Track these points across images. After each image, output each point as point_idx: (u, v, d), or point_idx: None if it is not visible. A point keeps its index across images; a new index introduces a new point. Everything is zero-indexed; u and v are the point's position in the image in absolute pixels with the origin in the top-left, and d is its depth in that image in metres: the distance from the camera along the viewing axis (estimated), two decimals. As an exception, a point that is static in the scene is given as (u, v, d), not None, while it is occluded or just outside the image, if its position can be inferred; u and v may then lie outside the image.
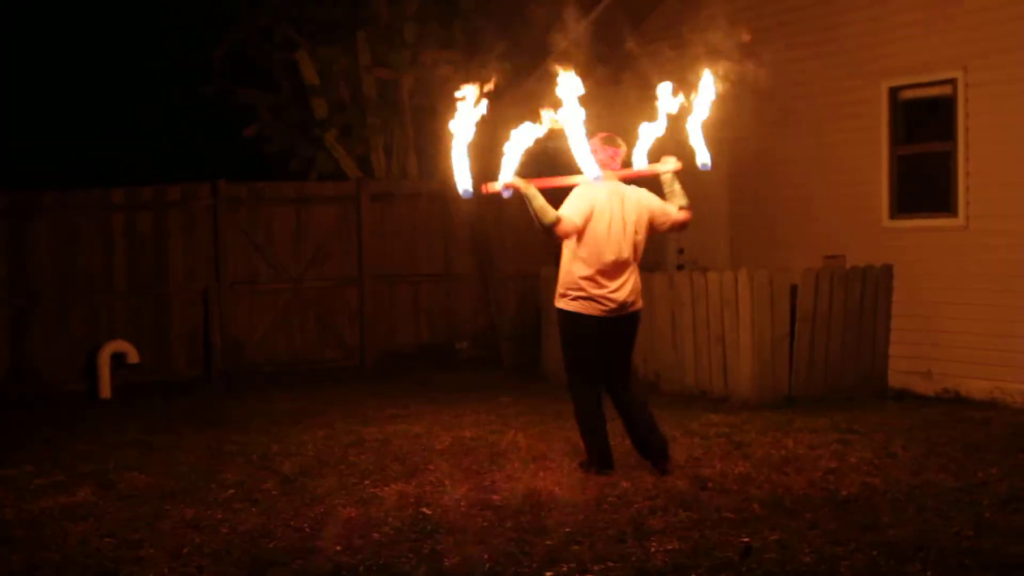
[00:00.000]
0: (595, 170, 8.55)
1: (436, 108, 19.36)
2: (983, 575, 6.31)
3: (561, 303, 8.88)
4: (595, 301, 8.74)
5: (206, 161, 20.58)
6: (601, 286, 8.72)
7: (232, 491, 8.71)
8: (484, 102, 8.50)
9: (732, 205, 15.45)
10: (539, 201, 8.55)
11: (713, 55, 9.49)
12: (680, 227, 9.15)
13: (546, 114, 8.52)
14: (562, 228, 8.63)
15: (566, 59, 9.09)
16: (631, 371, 9.13)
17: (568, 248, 8.81)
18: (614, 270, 8.73)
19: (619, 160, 8.99)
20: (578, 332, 8.85)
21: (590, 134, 8.66)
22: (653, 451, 8.99)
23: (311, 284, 16.16)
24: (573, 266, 8.78)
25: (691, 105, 8.89)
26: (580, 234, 8.70)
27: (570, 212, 8.67)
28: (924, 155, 13.22)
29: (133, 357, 14.56)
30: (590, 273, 8.71)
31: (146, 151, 22.36)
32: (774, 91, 14.73)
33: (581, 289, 8.74)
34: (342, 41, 18.79)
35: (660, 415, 11.43)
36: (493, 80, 8.61)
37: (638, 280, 8.92)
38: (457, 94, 8.47)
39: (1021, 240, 12.08)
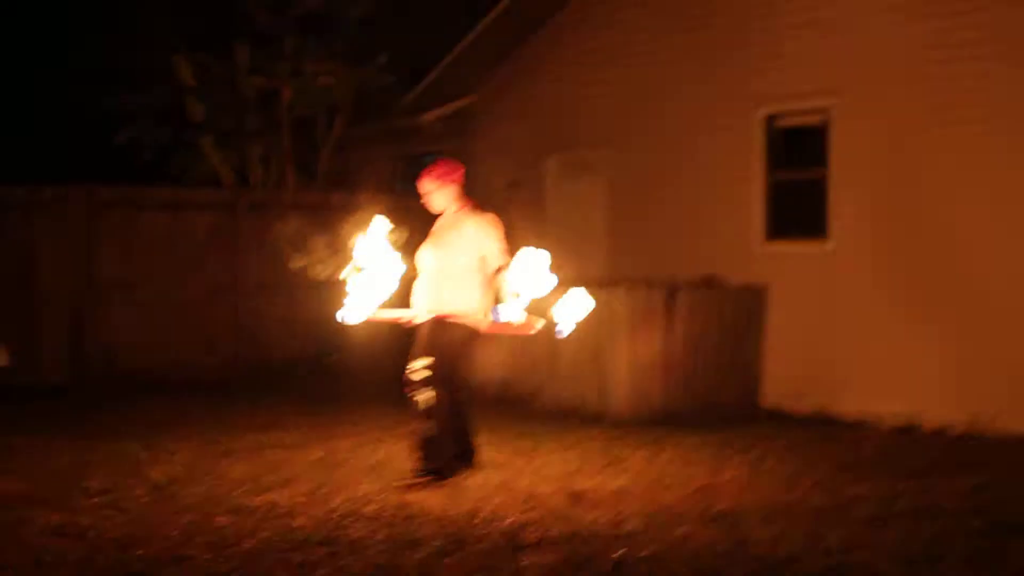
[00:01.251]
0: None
1: (315, 119, 19.30)
2: (852, 590, 6.39)
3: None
4: None
5: (79, 165, 20.22)
6: None
7: (100, 498, 8.52)
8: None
9: (611, 220, 15.56)
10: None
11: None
12: None
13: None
14: None
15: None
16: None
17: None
18: None
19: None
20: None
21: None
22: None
23: (187, 292, 15.90)
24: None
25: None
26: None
27: None
28: (798, 180, 13.46)
29: (3, 360, 14.21)
30: None
31: (15, 152, 21.88)
32: (652, 112, 14.91)
33: None
34: (221, 48, 18.61)
35: (536, 430, 11.56)
36: None
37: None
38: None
39: (888, 264, 12.37)
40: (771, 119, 13.60)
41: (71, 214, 15.30)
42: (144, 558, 6.97)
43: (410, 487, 8.80)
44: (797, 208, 13.45)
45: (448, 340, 9.02)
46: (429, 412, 8.98)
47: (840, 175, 12.83)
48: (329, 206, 16.29)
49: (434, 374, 8.97)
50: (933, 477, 9.46)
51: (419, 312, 9.09)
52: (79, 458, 10.08)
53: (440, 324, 9.01)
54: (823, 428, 12.05)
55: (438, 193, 9.25)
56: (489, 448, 10.39)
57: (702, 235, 14.25)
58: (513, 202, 16.76)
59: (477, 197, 16.40)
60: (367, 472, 9.44)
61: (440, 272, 9.06)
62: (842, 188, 12.81)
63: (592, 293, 12.65)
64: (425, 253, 9.15)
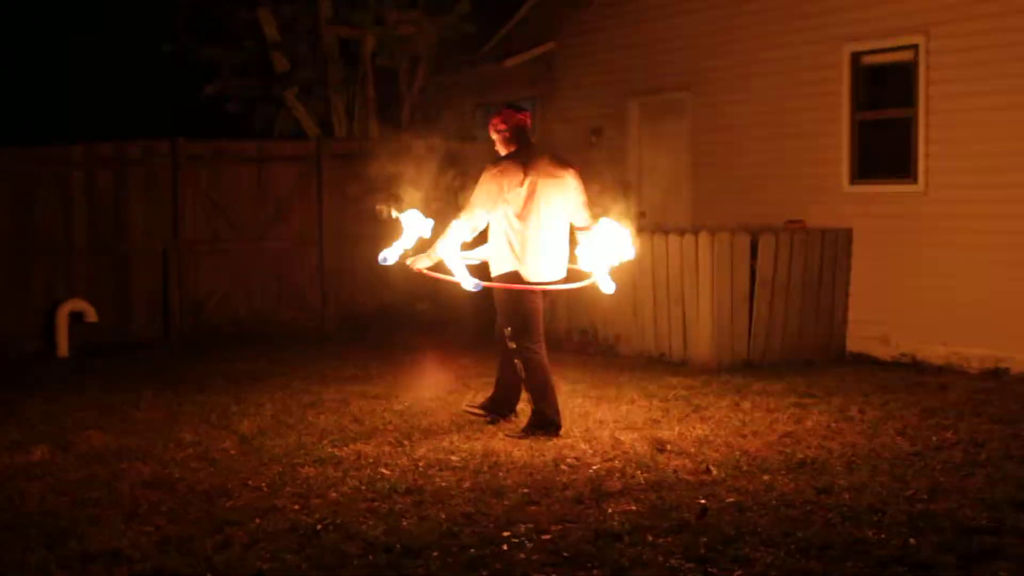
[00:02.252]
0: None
1: (398, 69, 19.33)
2: (937, 537, 6.36)
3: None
4: None
5: (166, 118, 20.44)
6: None
7: (190, 450, 8.69)
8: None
9: (695, 166, 15.46)
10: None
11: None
12: None
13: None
14: None
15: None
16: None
17: None
18: None
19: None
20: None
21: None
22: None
23: (271, 244, 16.07)
24: None
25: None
26: None
27: None
28: (885, 121, 13.27)
29: (91, 316, 14.46)
30: None
31: (105, 106, 22.13)
32: (735, 52, 14.76)
33: None
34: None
35: (619, 378, 11.60)
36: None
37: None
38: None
39: (979, 207, 12.16)
40: (857, 57, 13.39)
41: (158, 168, 15.49)
42: (234, 509, 7.11)
43: (520, 439, 8.83)
44: (883, 149, 13.26)
45: (505, 303, 9.07)
46: (525, 377, 9.08)
47: (928, 115, 12.62)
48: (412, 154, 16.31)
49: (516, 343, 9.04)
50: (1021, 422, 9.38)
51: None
52: (169, 411, 10.28)
53: (497, 287, 9.06)
54: (909, 373, 11.96)
55: (496, 141, 9.24)
56: (573, 396, 10.49)
57: (786, 177, 14.11)
58: (597, 147, 16.72)
59: (561, 143, 16.46)
60: (452, 422, 9.51)
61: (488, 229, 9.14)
62: (930, 128, 12.61)
63: (675, 238, 12.74)
64: None
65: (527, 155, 9.04)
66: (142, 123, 20.36)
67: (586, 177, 9.32)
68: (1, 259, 14.58)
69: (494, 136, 9.21)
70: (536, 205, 8.88)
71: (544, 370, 9.08)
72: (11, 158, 14.84)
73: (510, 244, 8.93)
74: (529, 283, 8.97)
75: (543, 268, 8.96)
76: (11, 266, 14.63)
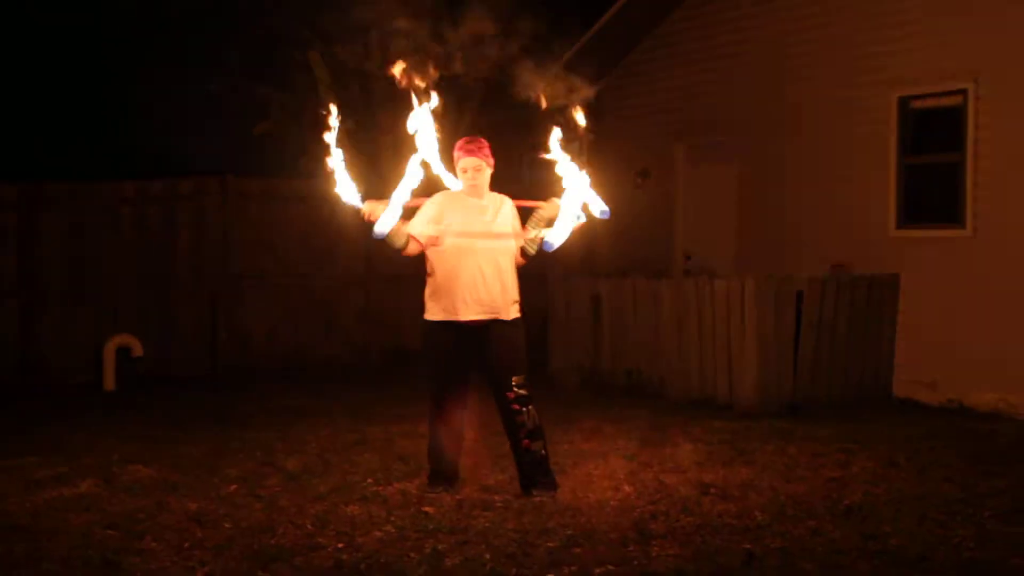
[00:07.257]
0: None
1: (445, 108, 19.40)
2: (984, 586, 6.31)
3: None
4: None
5: (217, 156, 20.62)
6: None
7: (235, 486, 8.73)
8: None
9: (740, 211, 15.45)
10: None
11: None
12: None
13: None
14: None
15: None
16: None
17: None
18: None
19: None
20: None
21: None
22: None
23: (318, 282, 16.20)
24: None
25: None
26: None
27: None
28: (932, 165, 13.22)
29: (138, 350, 14.59)
30: None
31: (156, 144, 22.34)
32: (783, 97, 14.75)
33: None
34: (356, 41, 18.78)
35: (663, 421, 11.56)
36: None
37: None
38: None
39: (1027, 252, 12.10)
40: (905, 101, 13.36)
41: (207, 206, 15.65)
42: (278, 546, 7.13)
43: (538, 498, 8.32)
44: (931, 193, 13.21)
45: (524, 344, 8.64)
46: (536, 428, 8.49)
47: (977, 160, 12.58)
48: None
49: (527, 390, 8.56)
50: (1071, 471, 9.29)
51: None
52: (214, 446, 10.34)
53: (516, 328, 8.60)
54: (956, 419, 11.86)
55: (478, 174, 8.66)
56: (617, 437, 10.49)
57: (833, 221, 14.07)
58: (643, 189, 16.73)
59: (606, 184, 16.43)
60: (495, 462, 9.49)
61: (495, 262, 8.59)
62: (979, 173, 12.56)
63: (721, 282, 12.73)
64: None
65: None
66: (195, 157, 20.55)
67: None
68: (52, 293, 14.77)
69: (480, 169, 8.65)
70: None
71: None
72: (63, 193, 15.02)
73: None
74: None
75: None
76: (60, 299, 14.80)
